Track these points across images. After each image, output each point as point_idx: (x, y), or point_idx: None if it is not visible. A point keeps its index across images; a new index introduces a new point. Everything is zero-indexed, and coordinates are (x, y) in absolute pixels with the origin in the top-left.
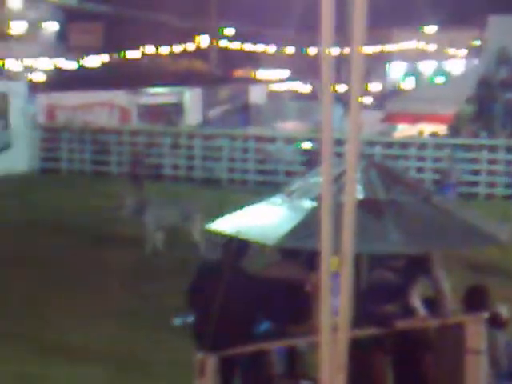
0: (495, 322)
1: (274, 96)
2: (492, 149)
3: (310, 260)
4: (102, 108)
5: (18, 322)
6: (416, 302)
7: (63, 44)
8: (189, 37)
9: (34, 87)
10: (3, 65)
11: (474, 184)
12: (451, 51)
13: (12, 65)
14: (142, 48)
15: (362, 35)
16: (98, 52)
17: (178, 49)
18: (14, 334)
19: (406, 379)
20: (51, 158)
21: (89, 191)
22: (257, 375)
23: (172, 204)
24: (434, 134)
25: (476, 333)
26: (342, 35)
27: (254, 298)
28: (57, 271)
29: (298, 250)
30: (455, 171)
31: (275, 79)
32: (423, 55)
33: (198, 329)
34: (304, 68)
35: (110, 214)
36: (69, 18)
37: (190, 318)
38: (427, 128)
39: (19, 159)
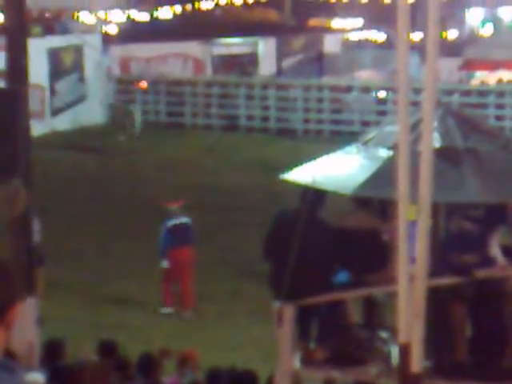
0: None
1: (348, 45)
2: None
3: (385, 209)
4: (176, 59)
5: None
6: (495, 250)
7: None
8: None
9: (107, 39)
10: (77, 18)
11: None
12: None
13: (86, 17)
14: None
15: None
16: (170, 3)
17: None
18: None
19: (485, 329)
20: None
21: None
22: (334, 324)
23: None
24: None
25: None
26: None
27: (331, 248)
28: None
29: (373, 199)
30: None
31: (350, 28)
32: (502, 0)
33: (275, 278)
34: (379, 16)
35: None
36: None
37: None
38: (506, 75)
39: (94, 111)
